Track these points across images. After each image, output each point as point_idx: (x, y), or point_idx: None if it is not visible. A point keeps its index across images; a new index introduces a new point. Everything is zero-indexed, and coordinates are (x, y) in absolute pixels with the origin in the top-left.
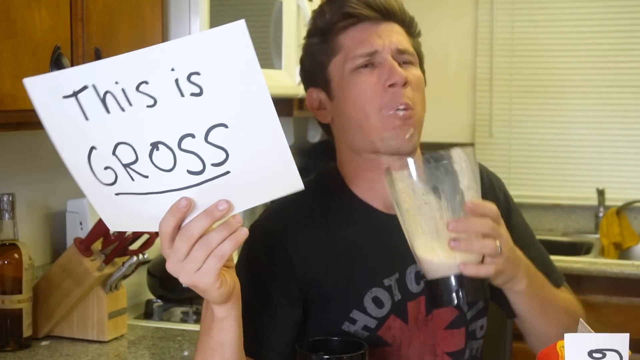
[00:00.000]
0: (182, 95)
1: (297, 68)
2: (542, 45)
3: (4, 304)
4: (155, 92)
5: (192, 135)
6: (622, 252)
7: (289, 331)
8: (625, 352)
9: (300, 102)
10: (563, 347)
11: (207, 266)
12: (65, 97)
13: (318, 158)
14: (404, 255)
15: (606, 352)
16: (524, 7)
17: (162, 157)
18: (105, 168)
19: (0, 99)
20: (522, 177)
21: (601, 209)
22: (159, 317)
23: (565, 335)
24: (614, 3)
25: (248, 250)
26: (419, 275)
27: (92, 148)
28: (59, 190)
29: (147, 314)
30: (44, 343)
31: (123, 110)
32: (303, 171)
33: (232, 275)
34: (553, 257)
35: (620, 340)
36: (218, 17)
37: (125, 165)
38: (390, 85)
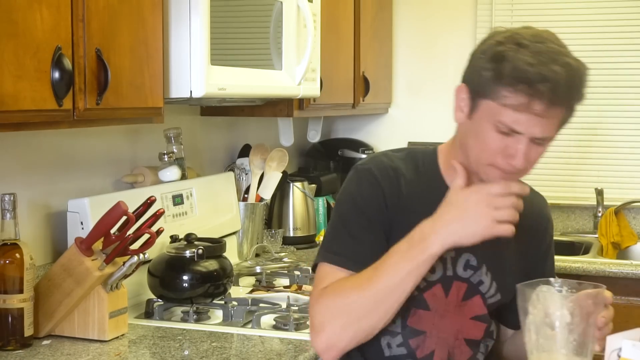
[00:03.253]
0: None
1: (297, 68)
2: None
3: (6, 304)
4: None
5: None
6: (621, 252)
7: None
8: None
9: (301, 102)
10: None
11: (505, 226)
12: None
13: (318, 158)
14: None
15: None
16: (523, 7)
17: None
18: None
19: (1, 99)
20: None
21: (600, 209)
22: (160, 317)
23: (623, 344)
24: (613, 4)
25: (357, 183)
26: (468, 264)
27: None
28: (60, 190)
29: (148, 314)
30: (45, 342)
31: None
32: (303, 171)
33: None
34: None
35: None
36: (218, 17)
37: None
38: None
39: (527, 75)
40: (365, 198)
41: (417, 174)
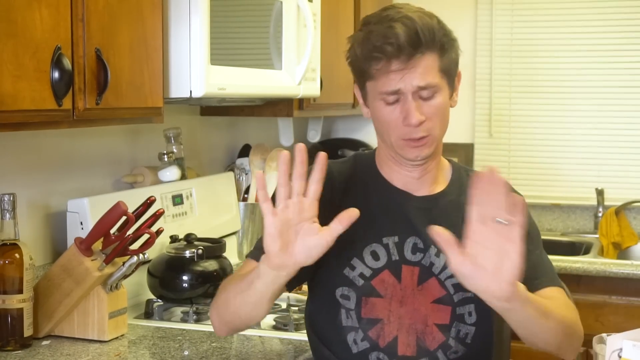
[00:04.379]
0: None
1: (297, 68)
2: (542, 45)
3: (5, 304)
4: None
5: None
6: (621, 252)
7: None
8: None
9: (300, 102)
10: None
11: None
12: None
13: None
14: (407, 226)
15: None
16: (524, 7)
17: None
18: None
19: (0, 99)
20: (522, 177)
21: (600, 209)
22: (159, 317)
23: (624, 344)
24: (613, 3)
25: None
26: (417, 248)
27: None
28: (60, 190)
29: (148, 314)
30: (44, 343)
31: None
32: None
33: None
34: (552, 257)
35: None
36: (218, 17)
37: None
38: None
39: (373, 44)
40: None
41: (355, 169)
